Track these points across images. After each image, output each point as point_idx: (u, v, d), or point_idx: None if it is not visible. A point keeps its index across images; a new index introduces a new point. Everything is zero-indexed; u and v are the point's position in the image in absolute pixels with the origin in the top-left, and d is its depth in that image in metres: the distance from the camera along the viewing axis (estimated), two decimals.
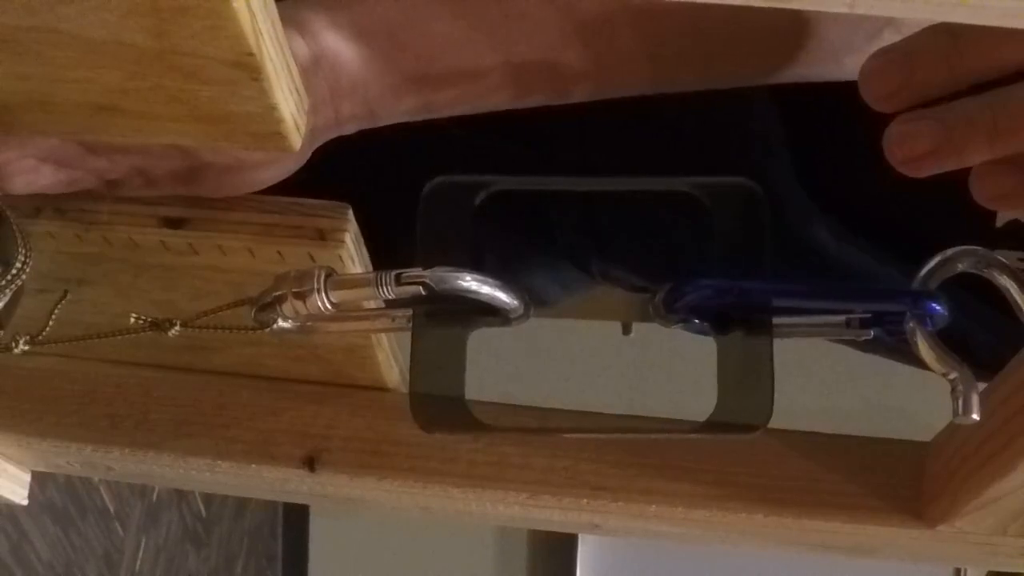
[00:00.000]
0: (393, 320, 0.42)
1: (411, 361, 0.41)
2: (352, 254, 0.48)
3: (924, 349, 0.39)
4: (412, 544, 2.28)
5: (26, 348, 0.46)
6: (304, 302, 0.40)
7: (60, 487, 1.46)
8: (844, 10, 0.24)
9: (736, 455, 0.52)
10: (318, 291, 0.40)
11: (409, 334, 0.42)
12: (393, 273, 0.39)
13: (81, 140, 0.45)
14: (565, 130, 0.59)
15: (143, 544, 1.75)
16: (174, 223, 0.48)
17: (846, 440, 0.53)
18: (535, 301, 0.42)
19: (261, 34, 0.35)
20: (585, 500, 0.52)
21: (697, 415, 0.41)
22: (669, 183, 0.44)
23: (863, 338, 0.41)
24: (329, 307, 0.40)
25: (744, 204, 0.42)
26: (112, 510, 1.63)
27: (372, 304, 0.41)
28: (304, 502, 1.04)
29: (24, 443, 0.55)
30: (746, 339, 0.41)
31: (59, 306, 0.49)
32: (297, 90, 0.40)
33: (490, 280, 0.39)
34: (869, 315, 0.41)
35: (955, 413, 0.38)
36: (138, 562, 1.73)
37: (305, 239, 0.47)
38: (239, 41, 0.35)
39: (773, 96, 0.60)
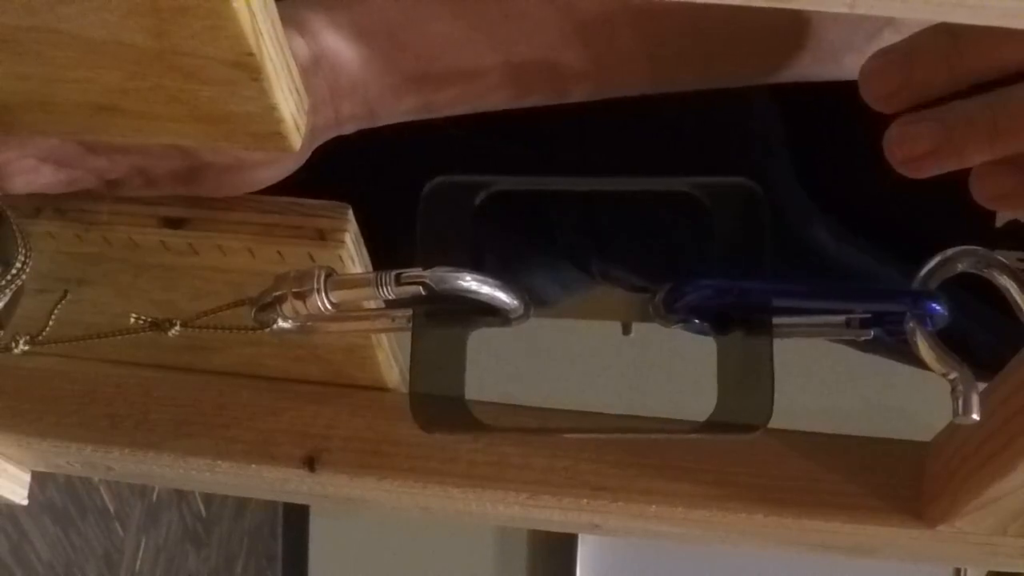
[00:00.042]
0: (393, 320, 0.42)
1: (411, 361, 0.41)
2: (352, 254, 0.48)
3: (924, 349, 0.39)
4: (412, 544, 2.28)
5: (26, 348, 0.46)
6: (304, 302, 0.40)
7: (60, 487, 1.46)
8: (844, 10, 0.24)
9: (736, 455, 0.52)
10: (318, 291, 0.40)
11: (409, 334, 0.42)
12: (393, 273, 0.39)
13: (81, 140, 0.45)
14: (565, 130, 0.59)
15: (143, 544, 1.75)
16: (174, 223, 0.48)
17: (846, 440, 0.53)
18: (535, 301, 0.42)
19: (261, 34, 0.35)
20: (585, 500, 0.52)
21: (697, 415, 0.41)
22: (669, 183, 0.44)
23: (863, 338, 0.41)
24: (329, 307, 0.40)
25: (744, 204, 0.42)
26: (112, 510, 1.63)
27: (372, 304, 0.41)
28: (304, 502, 1.04)
29: (24, 443, 0.55)
30: (746, 339, 0.41)
31: (59, 306, 0.49)
32: (297, 90, 0.40)
33: (490, 280, 0.39)
34: (869, 315, 0.41)
35: (955, 413, 0.38)
36: (138, 562, 1.73)
37: (305, 239, 0.47)
38: (239, 41, 0.35)
39: (773, 96, 0.60)
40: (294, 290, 0.40)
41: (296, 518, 2.37)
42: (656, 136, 0.61)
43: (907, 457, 0.52)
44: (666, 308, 0.41)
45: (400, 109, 0.48)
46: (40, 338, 0.47)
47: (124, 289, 0.52)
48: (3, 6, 0.34)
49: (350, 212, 0.48)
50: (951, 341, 0.39)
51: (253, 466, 0.53)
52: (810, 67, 0.53)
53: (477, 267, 0.39)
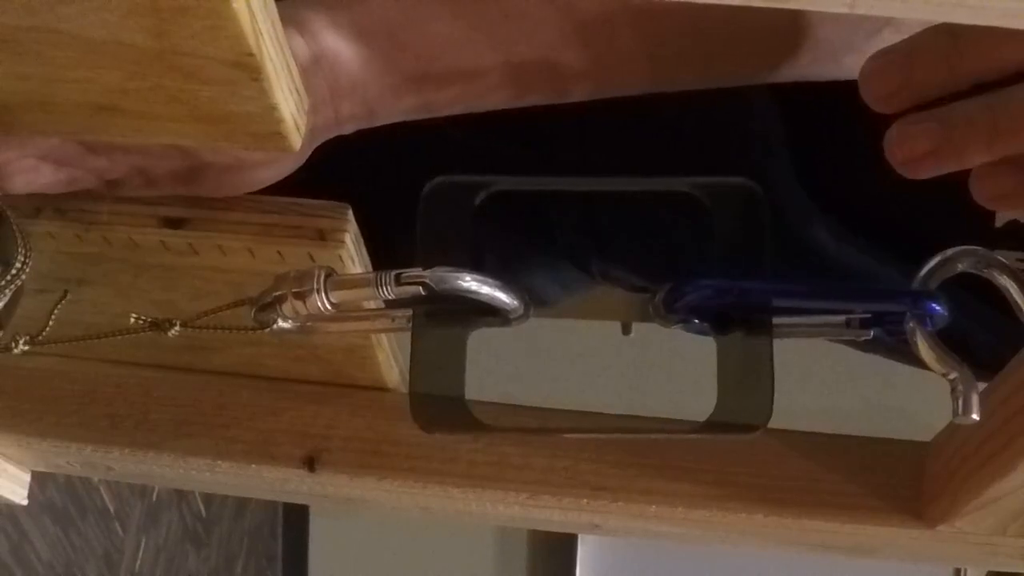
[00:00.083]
0: (393, 320, 0.42)
1: (411, 361, 0.41)
2: (352, 254, 0.48)
3: (924, 349, 0.39)
4: (412, 544, 2.28)
5: (26, 348, 0.46)
6: (304, 302, 0.40)
7: (60, 487, 1.46)
8: (844, 10, 0.24)
9: (736, 455, 0.52)
10: (318, 291, 0.40)
11: (409, 334, 0.41)
12: (393, 273, 0.39)
13: (81, 140, 0.45)
14: (565, 130, 0.59)
15: (143, 544, 1.75)
16: (174, 223, 0.48)
17: (846, 440, 0.53)
18: (535, 301, 0.42)
19: (261, 34, 0.35)
20: (585, 500, 0.52)
21: (697, 415, 0.41)
22: (669, 183, 0.44)
23: (863, 338, 0.41)
24: (329, 307, 0.40)
25: (744, 204, 0.42)
26: (112, 510, 1.63)
27: (372, 304, 0.41)
28: (304, 502, 1.04)
29: (24, 443, 0.55)
30: (746, 339, 0.41)
31: (59, 306, 0.49)
32: (297, 90, 0.40)
33: (490, 280, 0.39)
34: (869, 315, 0.41)
35: (955, 413, 0.38)
36: (138, 562, 1.73)
37: (305, 239, 0.47)
38: (239, 41, 0.35)
39: (773, 96, 0.60)
40: (294, 290, 0.40)
41: (296, 518, 2.37)
42: (656, 136, 0.61)
43: (907, 457, 0.52)
44: (666, 308, 0.41)
45: (400, 109, 0.48)
46: (40, 338, 0.47)
47: (124, 289, 0.52)
48: (3, 6, 0.34)
49: (350, 212, 0.48)
50: (951, 341, 0.39)
51: (253, 466, 0.53)
52: (810, 67, 0.53)
53: (477, 267, 0.39)
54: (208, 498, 2.01)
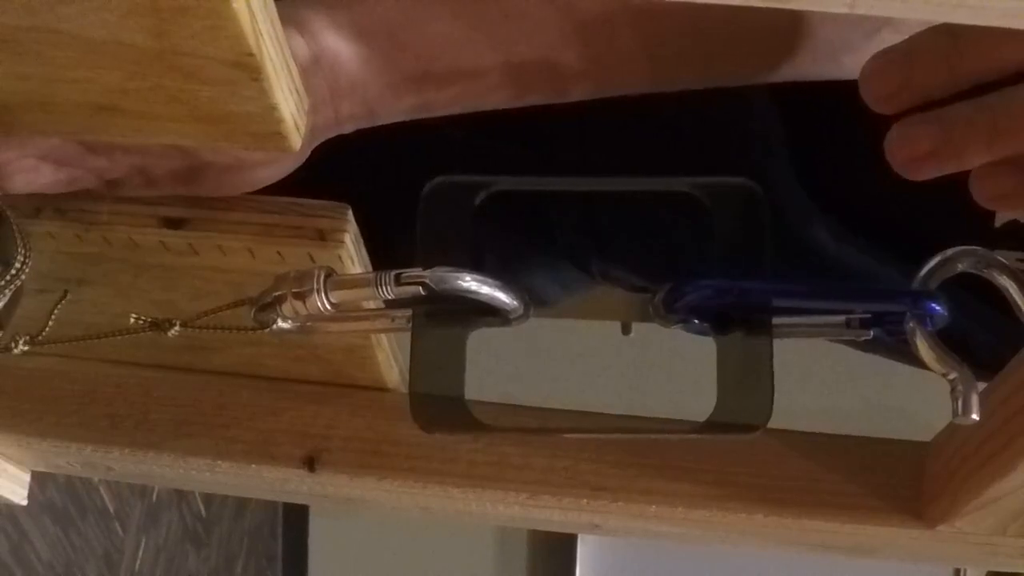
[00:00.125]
0: (393, 320, 0.42)
1: (411, 361, 0.41)
2: (352, 254, 0.48)
3: (924, 349, 0.39)
4: (412, 544, 2.28)
5: (26, 348, 0.46)
6: (304, 302, 0.40)
7: (60, 487, 1.46)
8: (844, 10, 0.24)
9: (736, 455, 0.52)
10: (318, 291, 0.40)
11: (409, 334, 0.41)
12: (393, 273, 0.39)
13: (81, 140, 0.45)
14: (565, 130, 0.59)
15: (143, 544, 1.75)
16: (174, 223, 0.48)
17: (846, 440, 0.53)
18: (535, 301, 0.42)
19: (261, 34, 0.35)
20: (585, 500, 0.52)
21: (697, 415, 0.41)
22: (669, 183, 0.44)
23: (863, 338, 0.41)
24: (329, 307, 0.40)
25: (744, 204, 0.42)
26: (112, 510, 1.63)
27: (372, 304, 0.41)
28: (304, 502, 1.04)
29: (24, 443, 0.55)
30: (746, 339, 0.41)
31: (59, 306, 0.49)
32: (297, 90, 0.40)
33: (490, 280, 0.39)
34: (869, 315, 0.41)
35: (955, 413, 0.38)
36: (138, 562, 1.73)
37: (305, 239, 0.47)
38: (239, 41, 0.35)
39: (773, 96, 0.60)
40: (294, 290, 0.40)
41: (296, 518, 2.37)
42: (656, 136, 0.61)
43: (907, 457, 0.52)
44: (666, 308, 0.41)
45: (400, 108, 0.48)
46: (40, 338, 0.47)
47: (124, 289, 0.52)
48: (3, 6, 0.34)
49: (350, 212, 0.48)
50: (951, 341, 0.39)
51: (253, 466, 0.53)
52: (810, 67, 0.53)
53: (477, 267, 0.39)
54: (208, 498, 2.01)
